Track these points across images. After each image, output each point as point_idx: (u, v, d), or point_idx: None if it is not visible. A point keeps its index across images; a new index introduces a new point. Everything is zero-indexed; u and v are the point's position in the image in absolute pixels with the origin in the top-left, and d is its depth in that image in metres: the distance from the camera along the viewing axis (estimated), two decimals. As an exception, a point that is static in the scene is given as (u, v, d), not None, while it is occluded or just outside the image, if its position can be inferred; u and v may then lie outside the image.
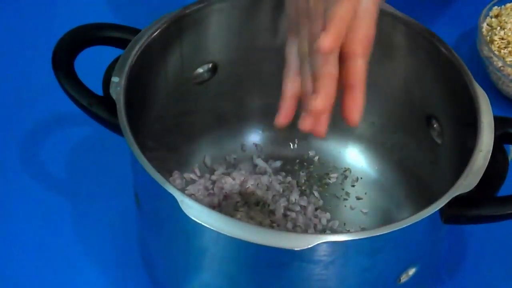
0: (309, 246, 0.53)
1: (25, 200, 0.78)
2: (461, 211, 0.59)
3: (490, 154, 0.60)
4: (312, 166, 0.81)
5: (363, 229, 0.75)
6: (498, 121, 0.64)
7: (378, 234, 0.54)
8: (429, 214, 0.56)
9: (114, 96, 0.62)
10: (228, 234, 0.53)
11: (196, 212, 0.54)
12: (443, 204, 0.57)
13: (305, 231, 0.74)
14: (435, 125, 0.72)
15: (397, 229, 0.55)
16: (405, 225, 0.55)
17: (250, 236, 0.53)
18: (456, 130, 0.69)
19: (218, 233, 0.54)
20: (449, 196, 0.57)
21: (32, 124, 0.84)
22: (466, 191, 0.58)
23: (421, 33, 0.70)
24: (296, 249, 0.53)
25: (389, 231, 0.55)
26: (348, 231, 0.75)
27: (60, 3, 0.95)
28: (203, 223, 0.54)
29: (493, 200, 0.60)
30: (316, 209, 0.77)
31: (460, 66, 0.67)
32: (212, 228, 0.54)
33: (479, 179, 0.58)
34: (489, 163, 0.60)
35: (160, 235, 0.64)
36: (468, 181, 0.58)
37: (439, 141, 0.71)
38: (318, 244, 0.53)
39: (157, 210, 0.61)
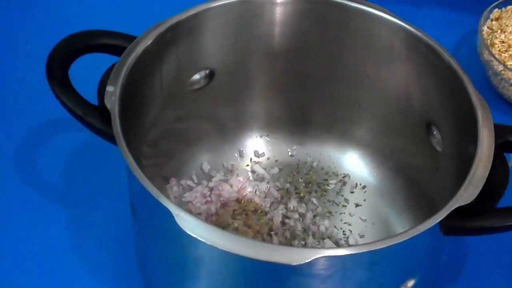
0: (306, 261, 0.52)
1: (21, 207, 0.78)
2: (461, 223, 0.58)
3: (490, 165, 0.59)
4: (310, 172, 0.80)
5: (362, 237, 0.75)
6: (499, 130, 0.63)
7: (377, 248, 0.53)
8: (428, 227, 0.55)
9: (108, 106, 0.61)
10: (224, 249, 0.52)
11: (192, 226, 0.53)
12: (442, 217, 0.56)
13: (303, 239, 0.73)
14: (434, 132, 0.71)
15: (396, 242, 0.54)
16: (404, 239, 0.54)
17: (246, 250, 0.52)
18: (456, 137, 0.68)
19: (214, 247, 0.53)
20: (448, 209, 0.56)
21: (28, 130, 0.83)
22: (466, 203, 0.57)
23: (421, 39, 0.69)
24: (293, 264, 0.52)
25: (388, 245, 0.54)
26: (347, 238, 0.74)
27: (54, 11, 0.94)
28: (198, 238, 0.53)
29: (493, 211, 0.59)
30: (314, 216, 0.76)
31: (461, 73, 0.66)
32: (207, 242, 0.53)
33: (479, 191, 0.57)
34: (489, 173, 0.59)
35: (156, 246, 0.63)
36: (468, 193, 0.57)
37: (439, 148, 0.71)
38: (315, 258, 0.52)
39: (153, 221, 0.60)
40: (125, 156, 0.58)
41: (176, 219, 0.54)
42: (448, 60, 0.67)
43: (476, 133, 0.62)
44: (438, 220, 0.56)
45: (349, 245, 0.74)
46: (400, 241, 0.54)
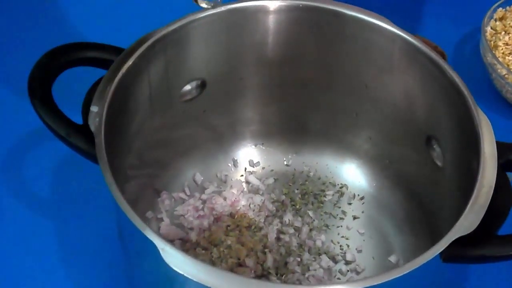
0: (299, 300, 0.50)
1: (7, 219, 0.75)
2: (461, 251, 0.55)
3: (492, 190, 0.56)
4: (307, 182, 0.77)
5: (359, 252, 0.72)
6: (501, 148, 0.61)
7: (374, 284, 0.51)
8: (427, 260, 0.53)
9: (92, 128, 0.59)
10: (212, 287, 0.50)
11: (178, 261, 0.51)
12: (442, 248, 0.53)
13: (298, 255, 0.71)
14: (434, 146, 0.69)
15: (395, 277, 0.51)
16: (402, 273, 0.52)
17: (235, 288, 0.50)
18: (457, 154, 0.65)
19: (201, 284, 0.50)
20: (449, 239, 0.54)
21: (15, 140, 0.81)
22: (467, 233, 0.54)
23: (420, 49, 0.67)
24: (285, 303, 0.50)
25: (386, 280, 0.51)
26: (344, 254, 0.72)
27: (39, 21, 0.91)
28: (184, 274, 0.51)
29: (495, 239, 0.56)
30: (310, 230, 0.74)
31: (462, 87, 0.64)
32: (194, 279, 0.50)
33: (480, 218, 0.55)
34: (491, 196, 0.57)
35: (142, 272, 0.61)
36: (469, 221, 0.55)
37: (439, 163, 0.68)
38: (308, 296, 0.50)
39: (139, 251, 0.58)
40: (109, 185, 0.55)
41: (162, 253, 0.52)
42: (448, 72, 0.65)
43: (478, 151, 0.60)
44: (438, 252, 0.53)
45: (346, 261, 0.71)
46: (399, 275, 0.52)
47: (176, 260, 0.51)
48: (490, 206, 0.56)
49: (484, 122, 0.61)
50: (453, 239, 0.54)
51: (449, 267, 0.59)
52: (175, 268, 0.51)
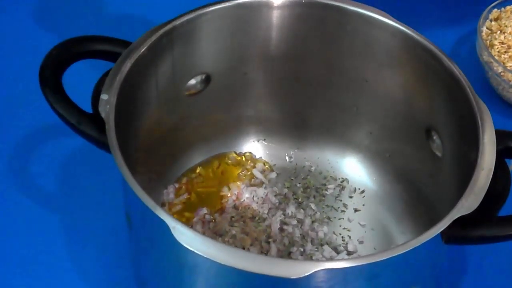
0: (306, 274, 0.51)
1: (15, 214, 0.76)
2: (462, 232, 0.57)
3: (492, 173, 0.58)
4: (308, 176, 0.79)
5: (361, 243, 0.74)
6: (499, 135, 0.62)
7: (377, 260, 0.53)
8: (429, 238, 0.54)
9: (103, 115, 0.60)
10: (221, 262, 0.51)
11: (189, 239, 0.52)
12: (444, 227, 0.55)
13: (301, 245, 0.72)
14: (434, 137, 0.70)
15: (397, 254, 0.53)
16: (405, 250, 0.53)
17: (244, 264, 0.51)
18: (457, 143, 0.67)
19: (211, 261, 0.52)
20: (450, 219, 0.55)
21: (23, 135, 0.82)
22: (468, 212, 0.56)
23: (420, 43, 0.68)
24: (292, 277, 0.51)
25: (389, 257, 0.53)
26: (346, 245, 0.73)
27: (47, 16, 0.93)
28: (195, 251, 0.52)
29: (495, 220, 0.58)
30: (313, 222, 0.75)
31: (461, 78, 0.65)
32: (205, 256, 0.52)
33: (481, 200, 0.56)
34: (490, 180, 0.58)
35: (152, 257, 0.62)
36: (470, 202, 0.56)
37: (439, 154, 0.70)
38: (315, 271, 0.51)
39: (149, 232, 0.59)
40: (120, 167, 0.57)
41: (173, 231, 0.53)
42: (448, 65, 0.66)
43: (477, 139, 0.61)
44: (439, 231, 0.55)
45: (348, 252, 0.73)
46: (401, 252, 0.53)
47: (187, 237, 0.52)
48: (489, 190, 0.58)
49: (483, 109, 0.63)
50: (454, 218, 0.55)
51: (450, 251, 0.61)
52: (186, 246, 0.52)
